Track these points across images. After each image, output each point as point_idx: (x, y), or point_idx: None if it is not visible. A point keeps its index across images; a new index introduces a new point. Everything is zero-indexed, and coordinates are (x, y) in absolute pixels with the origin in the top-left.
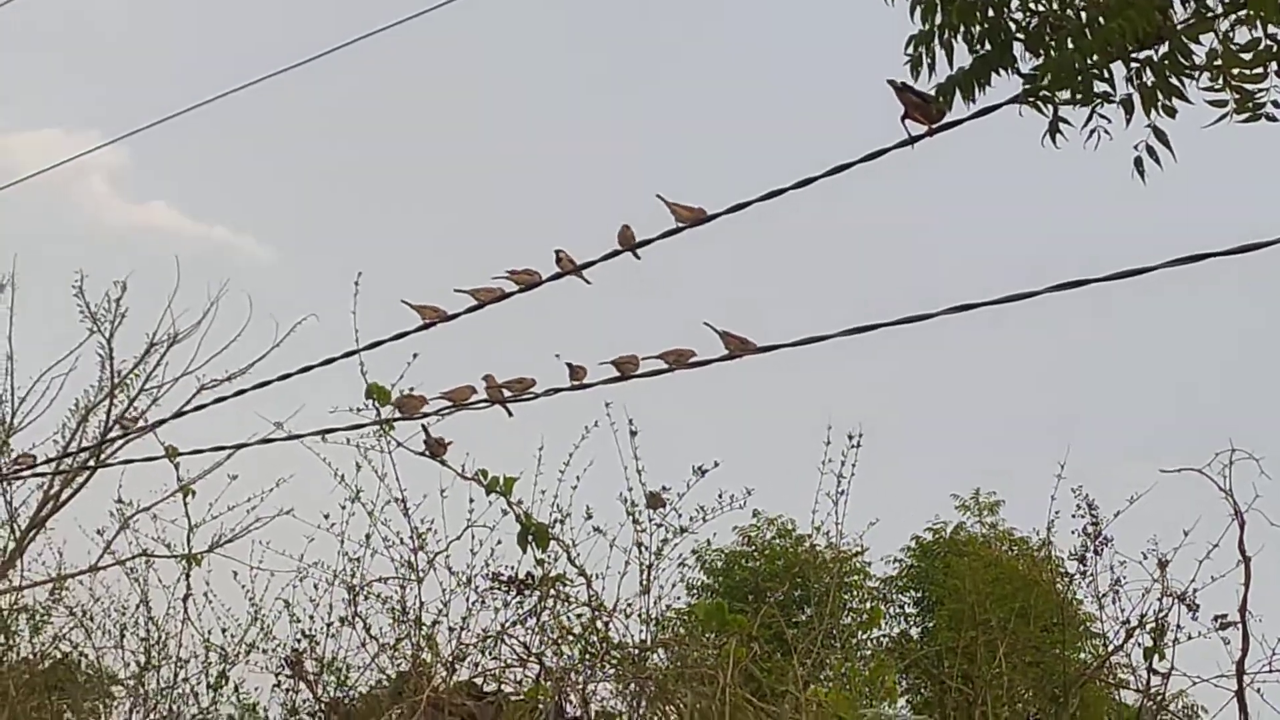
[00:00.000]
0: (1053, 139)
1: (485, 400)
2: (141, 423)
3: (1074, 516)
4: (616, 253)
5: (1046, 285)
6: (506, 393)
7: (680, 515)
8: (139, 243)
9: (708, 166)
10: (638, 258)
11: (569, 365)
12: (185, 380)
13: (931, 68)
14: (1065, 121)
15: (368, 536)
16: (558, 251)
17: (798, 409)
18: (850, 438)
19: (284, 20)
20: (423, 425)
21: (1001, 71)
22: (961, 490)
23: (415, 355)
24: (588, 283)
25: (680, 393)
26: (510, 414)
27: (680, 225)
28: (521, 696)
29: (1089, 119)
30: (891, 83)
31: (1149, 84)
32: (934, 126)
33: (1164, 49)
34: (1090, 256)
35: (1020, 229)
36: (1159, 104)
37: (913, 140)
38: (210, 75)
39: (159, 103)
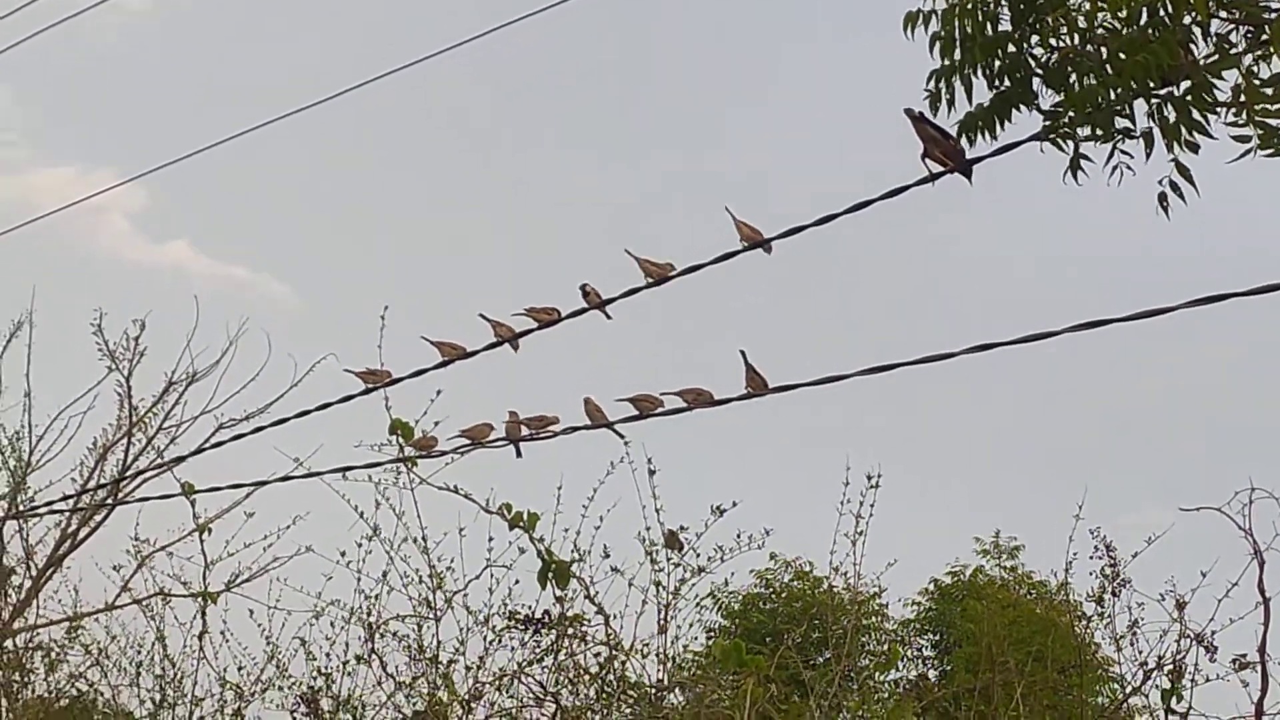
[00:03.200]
0: (1074, 176)
1: (503, 439)
2: (158, 461)
3: (1092, 558)
4: (636, 290)
5: (1066, 325)
6: (526, 430)
7: (698, 555)
8: (159, 281)
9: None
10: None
11: (586, 401)
12: (204, 419)
13: (951, 104)
14: (1087, 158)
15: (385, 574)
16: (584, 286)
17: (817, 448)
18: (869, 478)
19: (300, 58)
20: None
21: (1022, 108)
22: (981, 533)
23: (439, 392)
24: (609, 318)
25: (699, 431)
26: (520, 454)
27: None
28: None
29: (1110, 155)
30: (909, 112)
31: (1171, 120)
32: (955, 165)
33: (1186, 85)
34: (1113, 291)
35: (1043, 265)
36: (1182, 140)
37: (933, 177)
38: (227, 112)
39: (177, 141)
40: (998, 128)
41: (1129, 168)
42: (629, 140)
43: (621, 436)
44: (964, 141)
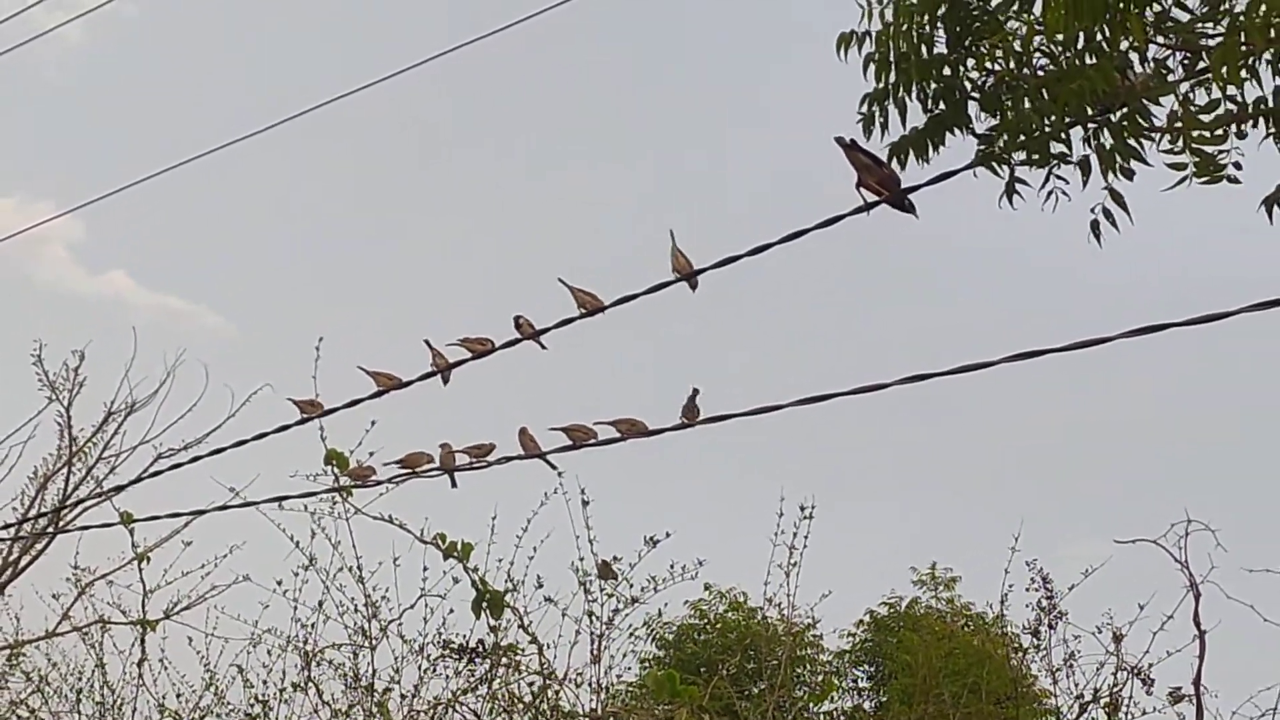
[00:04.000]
0: (1009, 200)
1: (438, 468)
2: (98, 491)
3: (1028, 590)
4: (570, 320)
5: (1002, 355)
6: (465, 458)
7: (632, 585)
8: (98, 312)
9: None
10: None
11: (521, 431)
12: (143, 449)
13: (884, 127)
14: (1022, 182)
15: (321, 603)
16: (517, 317)
17: (751, 479)
18: (802, 508)
19: (237, 87)
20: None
21: (956, 131)
22: (918, 564)
23: (374, 422)
24: (544, 348)
25: (633, 461)
26: (455, 484)
27: (674, 277)
28: None
29: (1045, 180)
30: (840, 140)
31: (1107, 146)
32: (890, 193)
33: (1123, 111)
34: (1051, 318)
35: (979, 291)
36: (1117, 166)
37: (868, 207)
38: (164, 142)
39: (115, 172)
40: (931, 151)
41: (1064, 193)
42: (616, 152)
43: (554, 467)
44: (895, 165)
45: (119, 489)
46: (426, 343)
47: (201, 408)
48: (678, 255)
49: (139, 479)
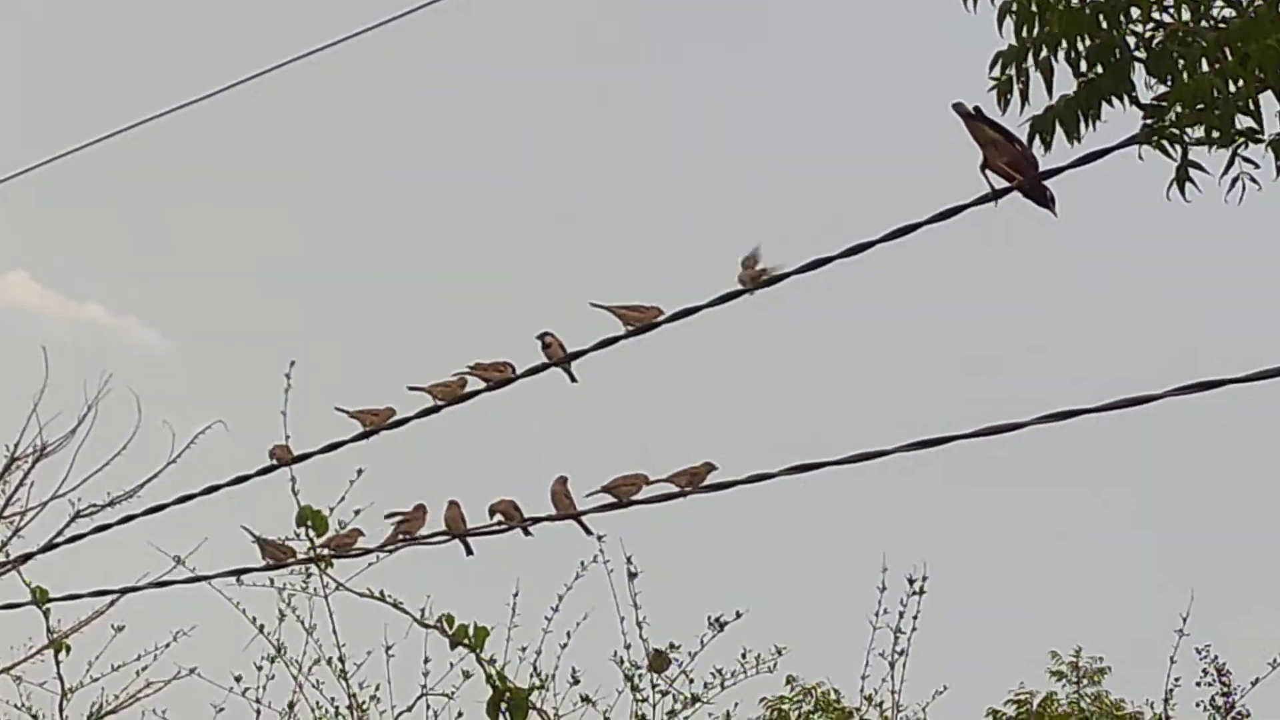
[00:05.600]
0: (1181, 189)
1: (446, 533)
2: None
3: (1199, 684)
4: (613, 339)
5: (1167, 388)
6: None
7: (692, 680)
8: None
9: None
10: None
11: (556, 484)
12: (57, 504)
13: (1024, 96)
14: (1198, 166)
15: (292, 705)
16: (543, 335)
17: (846, 545)
18: (911, 582)
19: (153, 71)
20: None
21: (1115, 101)
22: (1057, 648)
23: (360, 471)
24: (574, 380)
25: (694, 522)
26: (470, 551)
27: (742, 288)
28: None
29: (1230, 163)
30: (958, 107)
31: None
32: (1025, 178)
33: None
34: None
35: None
36: None
37: (995, 195)
38: (74, 119)
39: (13, 152)
40: (1084, 126)
41: (1253, 179)
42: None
43: (590, 532)
44: (1038, 147)
45: (26, 557)
46: (413, 389)
47: (133, 451)
48: (753, 262)
49: (52, 544)
